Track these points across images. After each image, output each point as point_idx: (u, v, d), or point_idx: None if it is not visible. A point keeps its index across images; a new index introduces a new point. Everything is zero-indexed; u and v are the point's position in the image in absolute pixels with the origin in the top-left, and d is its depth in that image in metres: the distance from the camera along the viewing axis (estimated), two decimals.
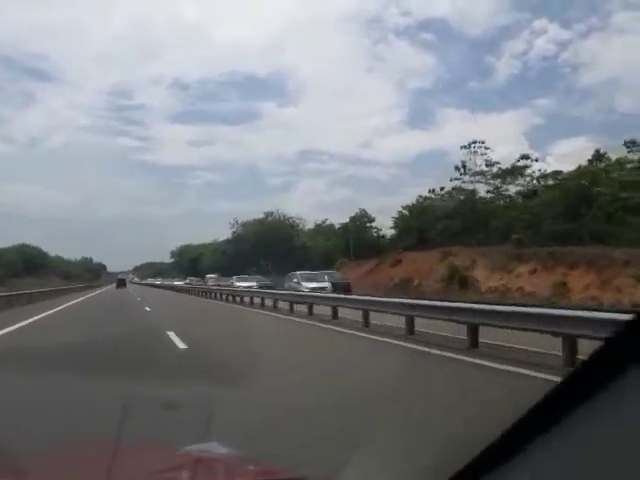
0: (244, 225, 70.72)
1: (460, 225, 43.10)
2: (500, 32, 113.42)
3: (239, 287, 30.55)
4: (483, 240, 38.62)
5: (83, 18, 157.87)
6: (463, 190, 47.80)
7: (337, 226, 70.74)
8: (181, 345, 9.35)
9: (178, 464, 1.60)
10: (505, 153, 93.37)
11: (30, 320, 15.38)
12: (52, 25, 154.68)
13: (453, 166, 48.17)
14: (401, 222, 53.25)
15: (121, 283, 70.43)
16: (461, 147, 48.85)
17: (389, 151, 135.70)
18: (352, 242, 56.18)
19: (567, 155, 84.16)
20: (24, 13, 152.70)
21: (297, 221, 68.66)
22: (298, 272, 31.28)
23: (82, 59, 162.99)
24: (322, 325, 13.59)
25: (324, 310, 15.48)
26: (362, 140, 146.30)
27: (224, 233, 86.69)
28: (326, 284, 27.79)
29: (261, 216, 70.89)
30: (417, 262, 34.66)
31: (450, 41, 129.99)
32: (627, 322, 0.64)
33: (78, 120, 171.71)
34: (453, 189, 48.54)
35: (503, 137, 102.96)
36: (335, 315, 14.73)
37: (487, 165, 47.25)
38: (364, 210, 64.02)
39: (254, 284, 31.21)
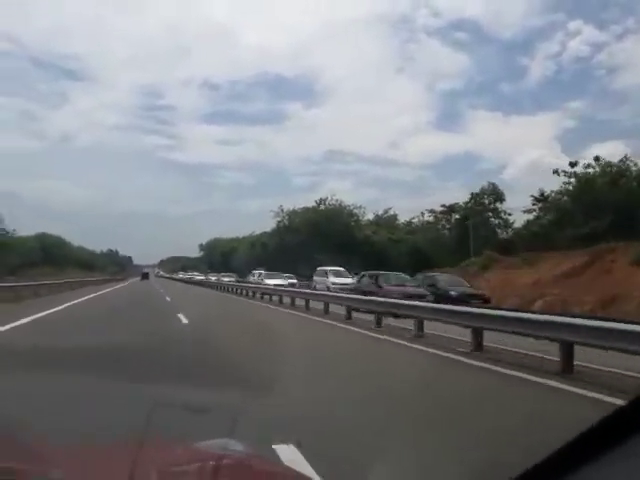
0: (291, 214, 59.98)
1: None
2: (533, 33, 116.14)
3: None
4: None
5: (116, 20, 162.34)
6: None
7: (400, 218, 59.93)
8: None
9: (193, 459, 1.61)
10: (536, 156, 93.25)
11: None
12: (86, 27, 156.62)
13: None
14: (571, 198, 37.22)
15: (145, 276, 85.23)
16: None
17: (416, 153, 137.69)
18: (461, 231, 44.83)
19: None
20: (59, 15, 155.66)
21: (355, 210, 57.47)
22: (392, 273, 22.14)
23: (114, 60, 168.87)
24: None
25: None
26: (389, 141, 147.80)
27: (255, 229, 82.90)
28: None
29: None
30: None
31: (482, 42, 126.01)
32: None
33: (109, 119, 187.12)
34: None
35: (536, 140, 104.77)
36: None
37: None
38: (493, 184, 50.66)
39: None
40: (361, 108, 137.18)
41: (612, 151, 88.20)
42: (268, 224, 66.03)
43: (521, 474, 0.85)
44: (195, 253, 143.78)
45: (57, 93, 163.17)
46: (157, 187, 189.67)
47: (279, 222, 60.14)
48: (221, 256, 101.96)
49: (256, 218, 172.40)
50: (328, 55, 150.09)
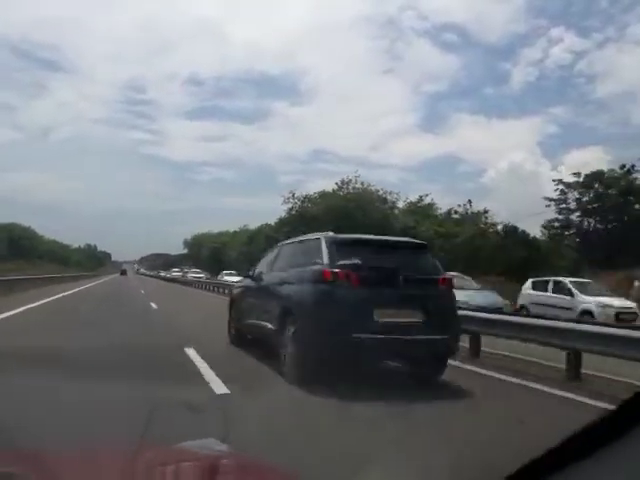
0: (306, 200, 49.24)
1: None
2: (517, 39, 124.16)
3: None
4: None
5: (99, 11, 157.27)
6: None
7: (437, 205, 49.42)
8: None
9: (177, 460, 1.61)
10: (518, 160, 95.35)
11: None
12: (67, 17, 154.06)
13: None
14: None
15: (124, 272, 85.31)
16: None
17: (400, 154, 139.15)
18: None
19: (581, 165, 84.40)
20: (39, 4, 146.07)
21: (388, 196, 46.66)
22: None
23: (96, 52, 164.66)
24: None
25: None
26: (374, 142, 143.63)
27: (249, 224, 74.79)
28: None
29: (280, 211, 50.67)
30: None
31: (467, 46, 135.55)
32: None
33: (91, 112, 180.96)
34: None
35: (517, 144, 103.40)
36: None
37: None
38: None
39: None
40: (347, 108, 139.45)
41: (591, 157, 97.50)
42: (258, 220, 58.04)
43: (514, 473, 0.85)
44: (176, 250, 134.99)
45: (36, 84, 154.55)
46: (138, 183, 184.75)
47: (290, 209, 49.38)
48: (211, 252, 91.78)
49: (240, 215, 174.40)
50: (315, 54, 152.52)
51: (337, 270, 5.81)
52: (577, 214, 40.01)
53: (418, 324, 5.82)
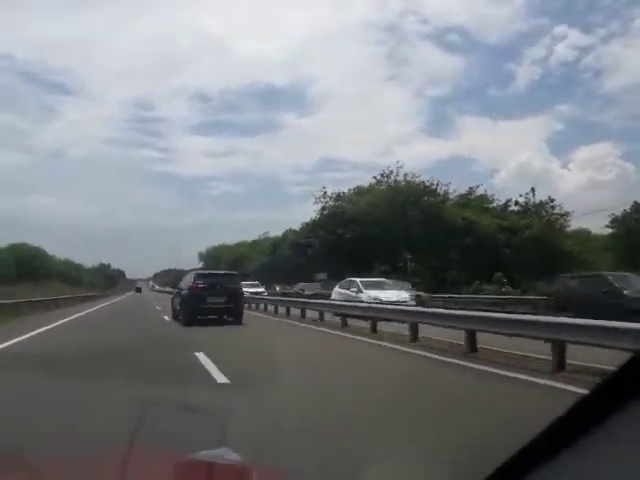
0: (340, 198, 42.81)
1: None
2: (519, 38, 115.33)
3: None
4: None
5: (106, 32, 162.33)
6: None
7: (492, 197, 42.70)
8: None
9: (190, 470, 1.60)
10: (525, 160, 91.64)
11: None
12: (75, 40, 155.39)
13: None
14: None
15: (138, 289, 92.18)
16: None
17: (409, 158, 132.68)
18: None
19: (590, 161, 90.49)
20: (47, 28, 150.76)
21: (438, 188, 39.71)
22: None
23: (105, 73, 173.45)
24: None
25: None
26: (381, 148, 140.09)
27: (269, 230, 73.90)
28: None
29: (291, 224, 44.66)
30: None
31: (469, 48, 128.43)
32: None
33: (100, 132, 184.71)
34: None
35: (524, 144, 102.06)
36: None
37: None
38: None
39: None
40: (353, 115, 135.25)
41: (601, 153, 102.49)
42: (269, 231, 63.67)
43: (494, 472, 0.83)
44: (190, 265, 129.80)
45: (47, 107, 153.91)
46: (149, 200, 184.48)
47: (322, 210, 42.99)
48: (228, 264, 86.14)
49: (251, 228, 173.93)
50: (319, 63, 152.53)
51: (195, 284, 16.68)
52: None
53: (225, 302, 16.43)
